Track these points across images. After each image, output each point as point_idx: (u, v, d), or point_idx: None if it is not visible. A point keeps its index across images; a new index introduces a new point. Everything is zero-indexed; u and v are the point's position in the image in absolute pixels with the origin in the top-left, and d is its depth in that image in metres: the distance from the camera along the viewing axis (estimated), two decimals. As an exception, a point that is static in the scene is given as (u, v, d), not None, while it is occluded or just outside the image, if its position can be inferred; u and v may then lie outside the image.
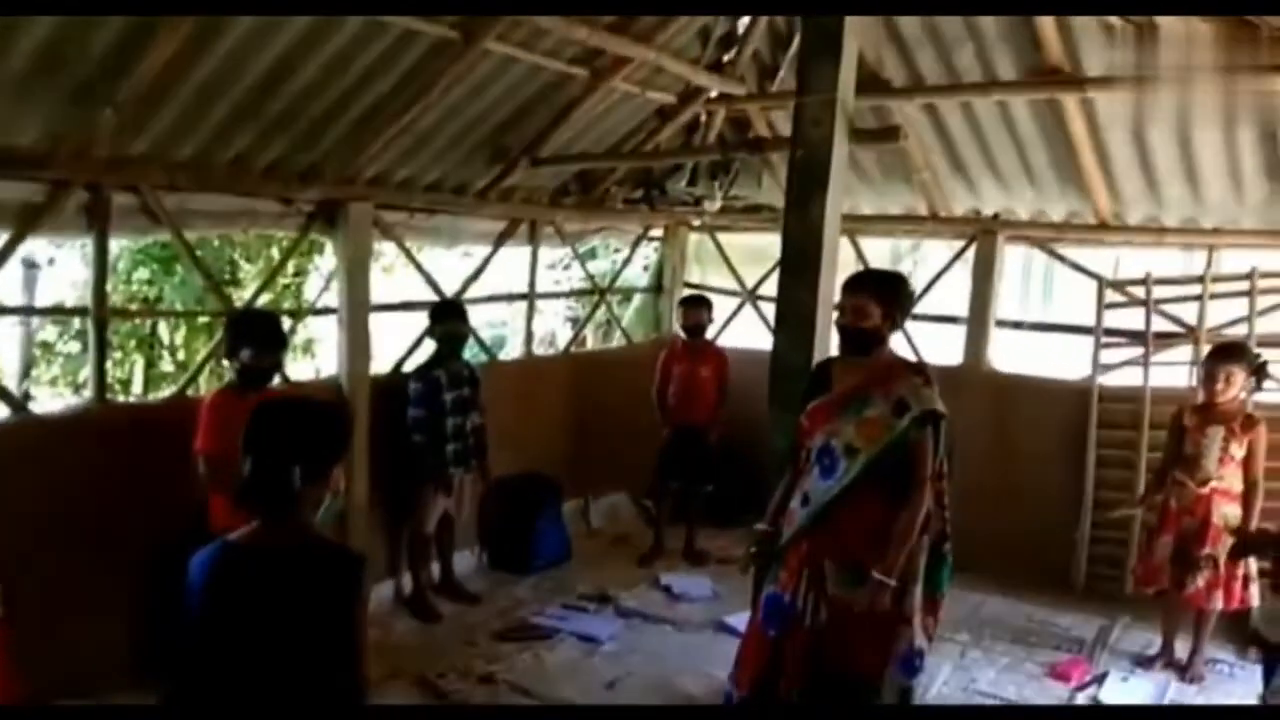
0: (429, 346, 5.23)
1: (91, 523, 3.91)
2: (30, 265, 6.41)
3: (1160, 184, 5.19)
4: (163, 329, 7.76)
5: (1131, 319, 5.61)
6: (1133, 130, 4.87)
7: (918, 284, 6.17)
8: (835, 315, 3.39)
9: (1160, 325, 5.52)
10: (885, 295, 3.26)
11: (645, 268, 7.65)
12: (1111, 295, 5.63)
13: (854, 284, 3.34)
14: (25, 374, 6.87)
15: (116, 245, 4.31)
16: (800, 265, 3.95)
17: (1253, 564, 4.36)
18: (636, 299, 7.82)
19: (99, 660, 3.87)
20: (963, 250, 6.08)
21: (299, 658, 2.02)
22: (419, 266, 5.52)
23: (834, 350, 3.96)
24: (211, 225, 4.68)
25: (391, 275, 5.72)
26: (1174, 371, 5.44)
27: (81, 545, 3.87)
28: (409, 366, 5.30)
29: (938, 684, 4.50)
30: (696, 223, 7.20)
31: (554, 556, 5.94)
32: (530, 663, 4.59)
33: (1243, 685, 4.28)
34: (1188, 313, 5.44)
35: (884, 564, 3.11)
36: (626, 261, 7.29)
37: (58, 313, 5.02)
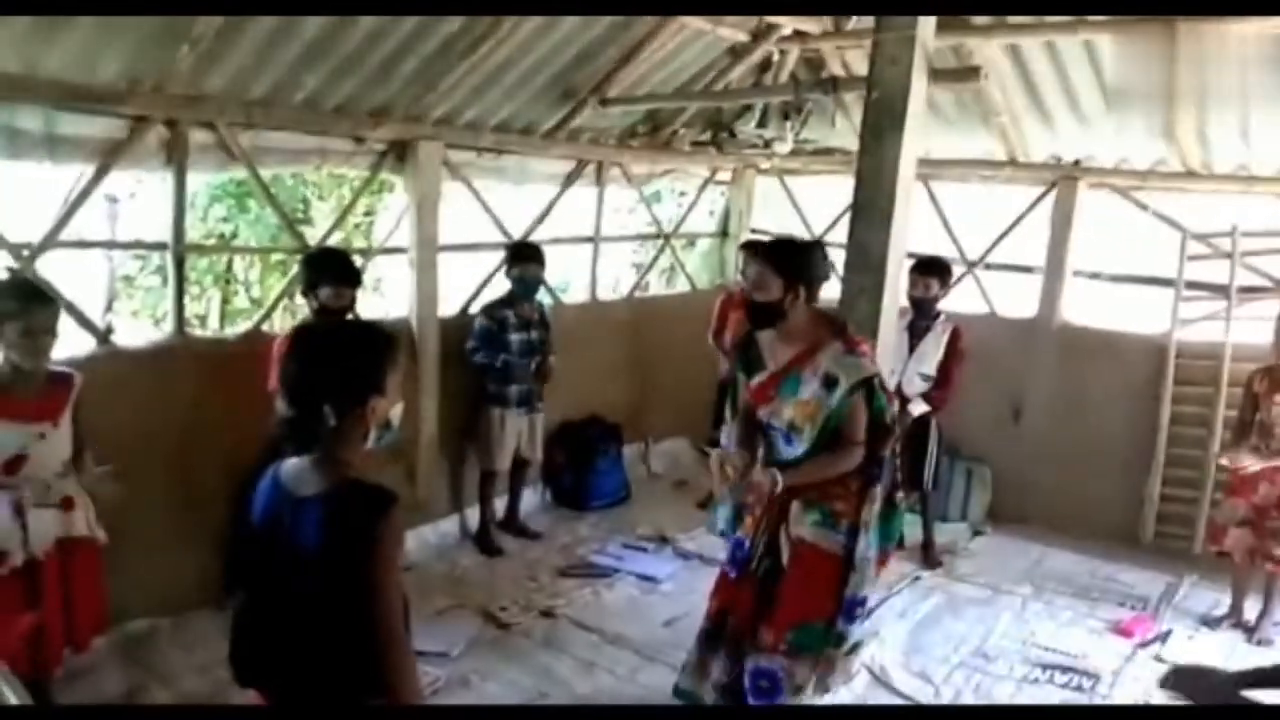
0: (499, 287, 5.26)
1: (174, 452, 4.07)
2: (112, 200, 6.58)
3: (1252, 130, 4.95)
4: (238, 265, 7.94)
5: (1215, 272, 5.41)
6: (1224, 74, 4.63)
7: (994, 231, 6.08)
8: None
9: (1245, 279, 5.32)
10: (785, 267, 3.15)
11: (711, 213, 7.58)
12: (1195, 247, 5.44)
13: (755, 253, 3.28)
14: (108, 307, 7.10)
15: (194, 181, 4.37)
16: (872, 209, 3.88)
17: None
18: (701, 244, 7.77)
19: (186, 583, 4.06)
20: (1041, 197, 5.90)
21: (327, 595, 1.97)
22: (486, 206, 5.53)
23: (890, 296, 3.94)
24: (285, 162, 4.75)
25: (458, 214, 5.75)
26: (1259, 327, 5.25)
27: (165, 473, 4.03)
28: (476, 308, 5.35)
29: (996, 635, 4.49)
30: (765, 165, 7.10)
31: (614, 497, 6.04)
32: (590, 599, 4.68)
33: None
34: (1275, 266, 5.22)
35: (791, 472, 3.17)
36: (692, 206, 7.22)
37: (138, 247, 5.16)
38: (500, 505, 5.48)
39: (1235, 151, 5.16)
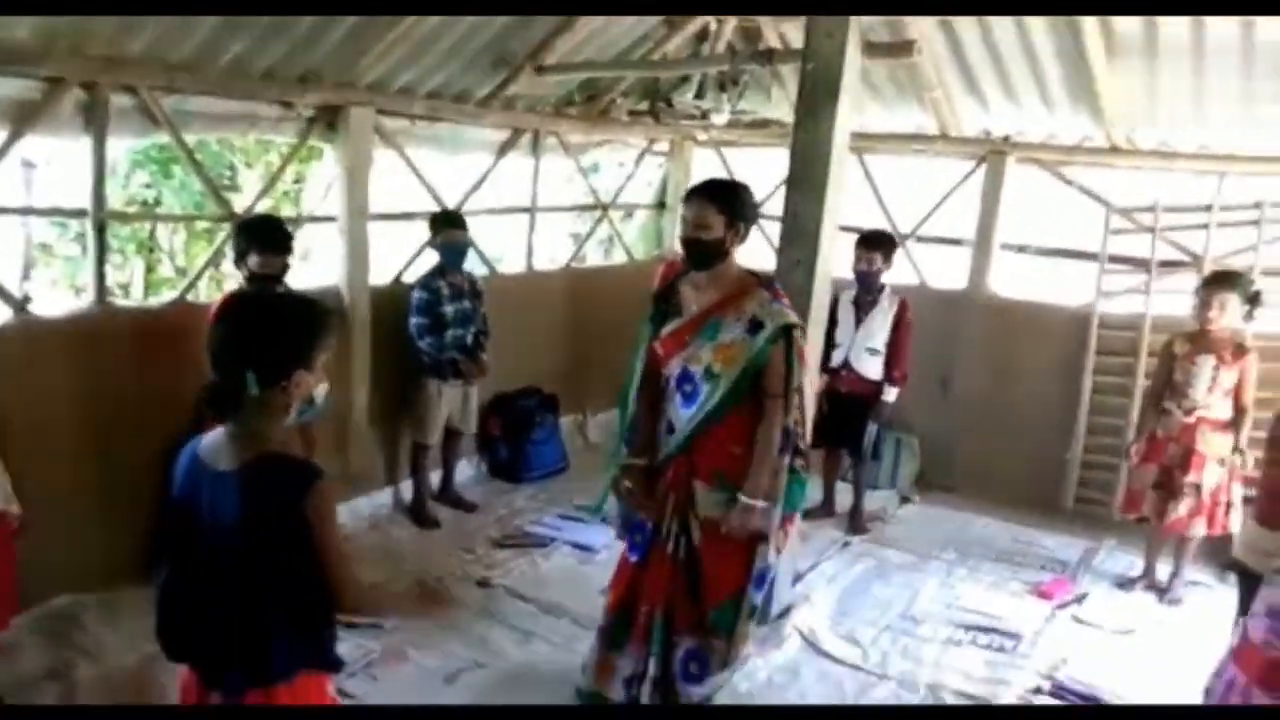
0: (430, 257, 5.20)
1: (98, 424, 3.96)
2: (28, 165, 6.33)
3: (1173, 109, 5.10)
4: (162, 233, 7.71)
5: (1137, 246, 5.58)
6: (1148, 53, 4.75)
7: (926, 204, 6.18)
8: (680, 229, 3.32)
9: (1165, 253, 5.50)
10: (726, 205, 3.15)
11: (649, 184, 7.57)
12: (1118, 221, 5.60)
13: (694, 194, 3.25)
14: (25, 275, 6.85)
15: (115, 147, 4.23)
16: (807, 182, 3.92)
17: (1235, 491, 4.43)
18: (639, 215, 7.76)
19: (112, 558, 3.96)
20: (972, 171, 6.01)
21: (253, 566, 1.96)
22: (420, 175, 5.45)
23: (823, 267, 3.97)
24: (210, 128, 4.61)
25: (391, 182, 5.67)
26: (1177, 300, 5.43)
27: (88, 447, 3.93)
28: (410, 277, 5.29)
29: (922, 599, 4.62)
30: (703, 137, 7.11)
31: (551, 468, 6.04)
32: (526, 569, 4.70)
33: (1221, 608, 4.38)
34: (1194, 241, 5.41)
35: (750, 485, 3.12)
36: (630, 176, 7.21)
37: (56, 214, 4.95)
38: (435, 477, 5.45)
39: (1157, 129, 5.30)
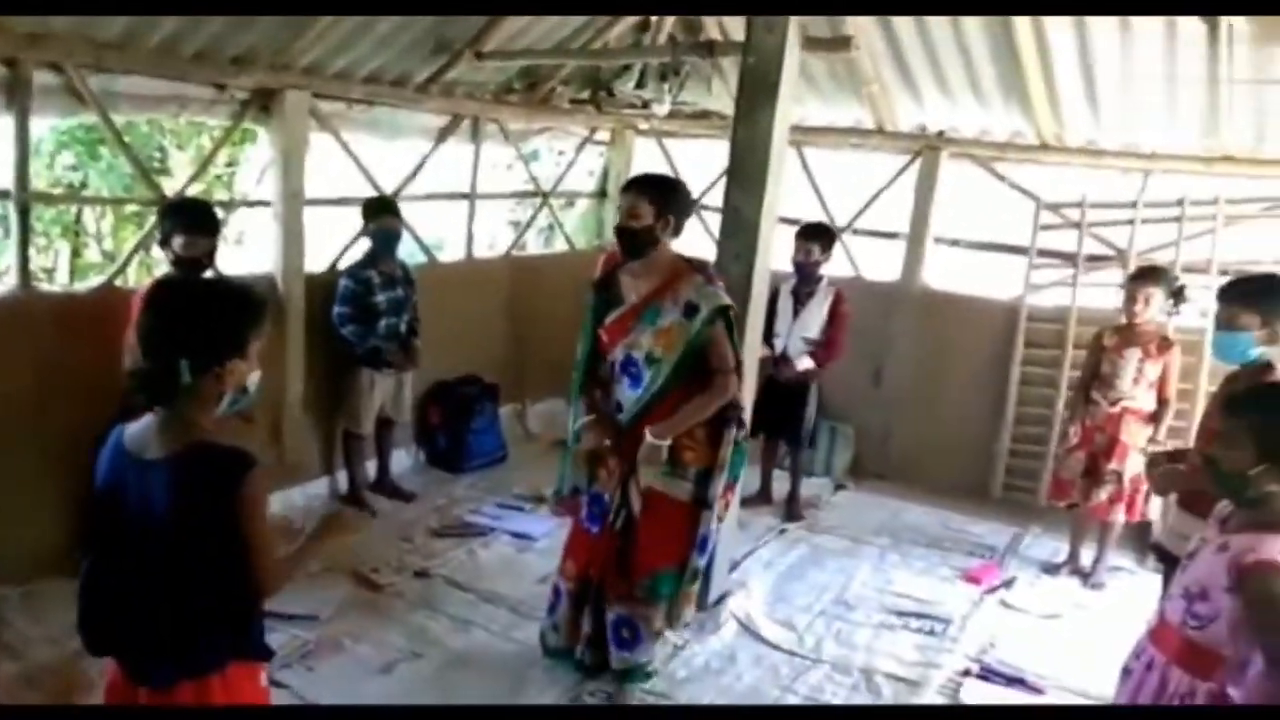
0: (364, 244, 5.13)
1: (20, 413, 3.84)
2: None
3: (1101, 108, 5.24)
4: (88, 217, 7.47)
5: (1065, 240, 5.74)
6: (1077, 51, 4.88)
7: (862, 197, 6.27)
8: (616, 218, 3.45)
9: (1092, 248, 5.66)
10: (658, 196, 3.29)
11: (590, 173, 7.55)
12: (1047, 217, 5.75)
13: (628, 185, 3.39)
14: (-58, 258, 6.61)
15: (38, 126, 4.10)
16: (747, 174, 3.95)
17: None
18: (580, 204, 7.74)
19: (34, 550, 3.85)
20: (907, 165, 6.11)
21: (183, 557, 1.95)
22: (357, 160, 5.37)
23: (762, 259, 4.04)
24: (139, 109, 4.47)
25: (327, 167, 5.57)
26: (1102, 293, 5.61)
27: (10, 435, 3.81)
28: (346, 264, 5.21)
29: (855, 584, 4.71)
30: (644, 127, 7.11)
31: (490, 457, 6.01)
32: (464, 559, 4.68)
33: (1142, 592, 4.54)
34: (1119, 236, 5.57)
35: (664, 425, 3.28)
36: (571, 164, 7.18)
37: (-25, 195, 4.81)
38: (372, 467, 5.40)
39: (1086, 127, 5.45)
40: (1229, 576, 2.16)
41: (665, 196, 3.31)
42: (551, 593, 3.70)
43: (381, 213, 5.01)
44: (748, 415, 3.76)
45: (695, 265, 3.40)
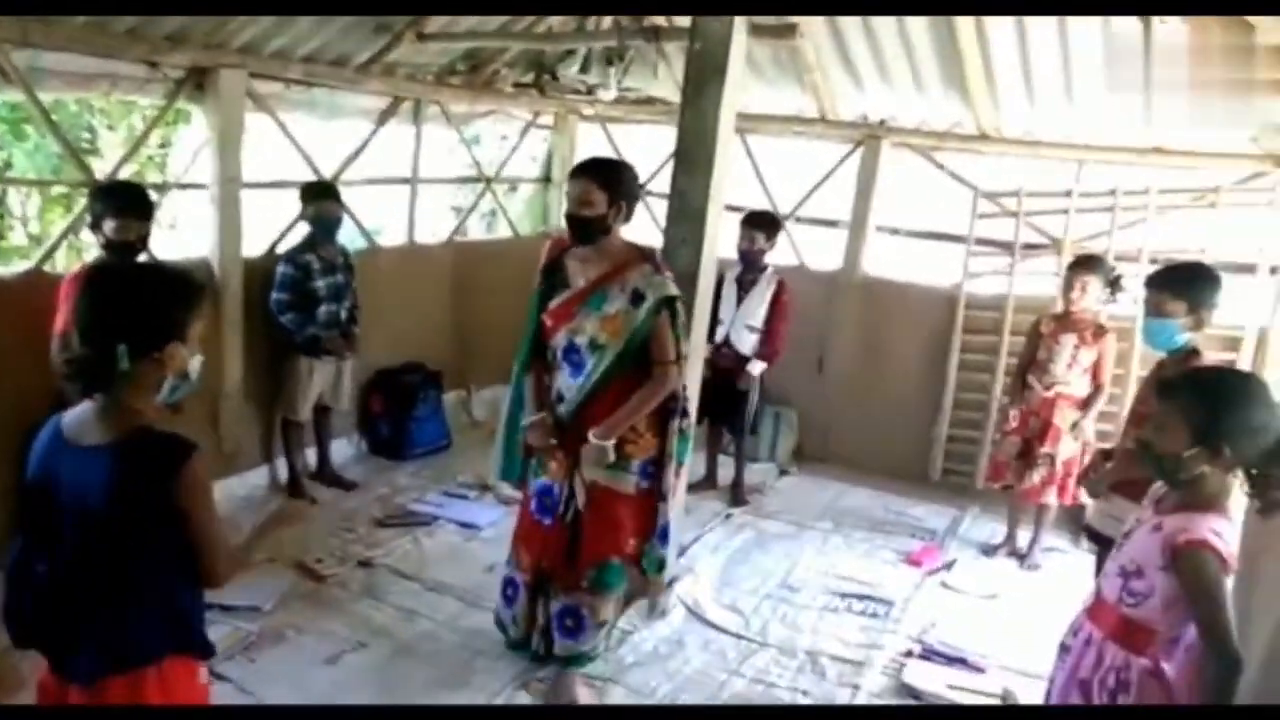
0: (302, 229, 5.03)
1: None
2: None
3: (1038, 99, 5.34)
4: (13, 198, 7.21)
5: (1002, 229, 5.85)
6: (1017, 44, 4.96)
7: (805, 185, 6.31)
8: (565, 205, 3.45)
9: (1028, 236, 5.78)
10: (609, 182, 3.27)
11: (533, 158, 7.49)
12: (985, 206, 5.85)
13: (578, 171, 3.36)
14: None
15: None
16: (694, 160, 3.94)
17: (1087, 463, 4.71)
18: (524, 190, 7.68)
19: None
20: (849, 154, 6.17)
21: (120, 545, 1.92)
22: (295, 142, 5.25)
23: (709, 245, 4.05)
24: (68, 87, 4.33)
25: (264, 149, 5.44)
26: (1038, 281, 5.73)
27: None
28: (284, 249, 5.10)
29: (800, 568, 4.77)
30: (589, 112, 7.08)
31: (434, 445, 5.96)
32: (409, 548, 4.63)
33: (1075, 571, 4.67)
34: (1055, 225, 5.70)
35: (607, 425, 3.27)
36: (514, 150, 7.12)
37: (-110, 175, 4.63)
38: (311, 456, 5.31)
39: (1023, 117, 5.55)
40: (1163, 555, 2.24)
41: (616, 182, 3.28)
42: (505, 585, 3.67)
43: (321, 197, 4.91)
44: (693, 404, 3.77)
45: (644, 253, 3.38)
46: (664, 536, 3.45)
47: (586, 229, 3.28)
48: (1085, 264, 4.71)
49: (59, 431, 1.97)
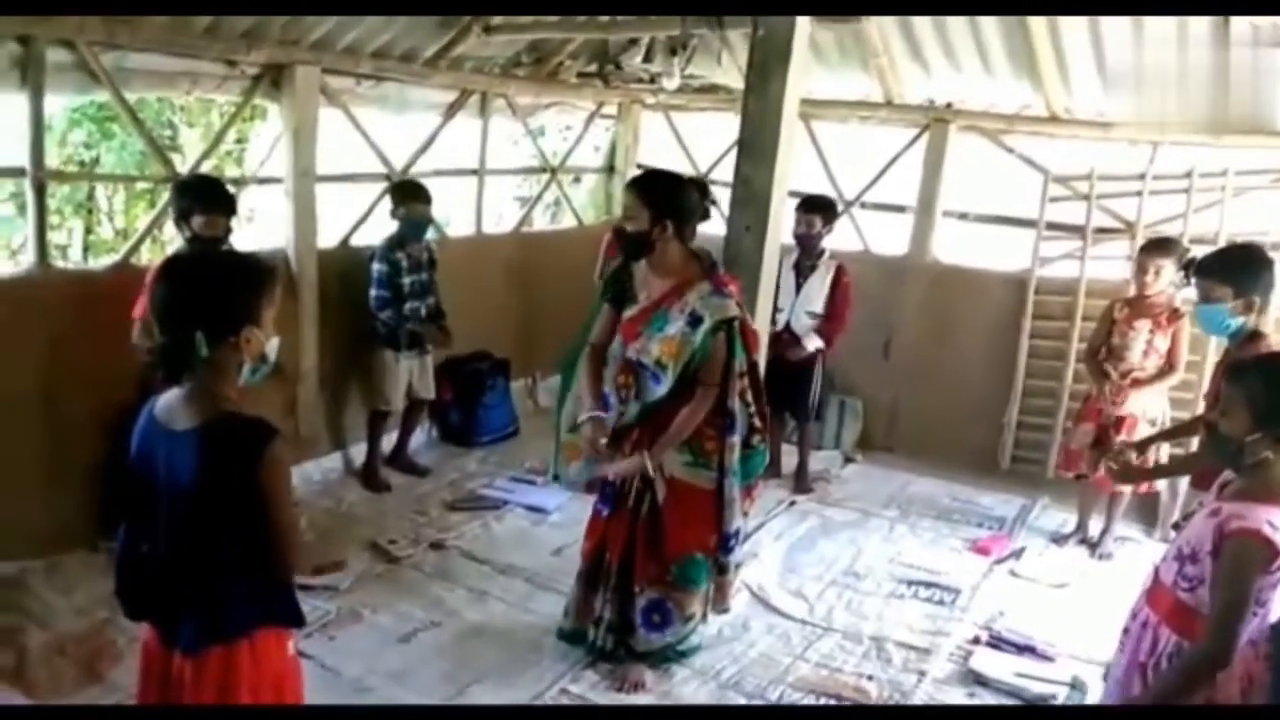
0: (379, 219, 5.16)
1: (39, 389, 3.89)
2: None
3: (1111, 80, 5.23)
4: (100, 194, 7.49)
5: (1073, 213, 5.74)
6: (1088, 24, 4.87)
7: (870, 170, 6.27)
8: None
9: (1100, 220, 5.66)
10: (654, 199, 3.22)
11: (596, 148, 7.55)
12: (1055, 189, 5.74)
13: (627, 184, 3.35)
14: (-42, 236, 6.65)
15: (51, 104, 4.11)
16: (757, 147, 3.96)
17: (1164, 452, 4.61)
18: (588, 179, 7.74)
19: (57, 524, 3.91)
20: (915, 138, 6.11)
21: (209, 524, 1.99)
22: (366, 136, 5.38)
23: (773, 233, 4.06)
24: (152, 86, 4.51)
25: (336, 143, 5.60)
26: (1110, 265, 5.62)
27: (30, 412, 3.86)
28: (357, 240, 5.24)
29: (865, 555, 4.76)
30: (651, 101, 7.10)
31: (502, 432, 6.06)
32: (479, 531, 4.73)
33: (1148, 561, 4.56)
34: (1128, 208, 5.57)
35: (658, 445, 3.31)
36: (579, 140, 7.18)
37: (-9, 173, 4.85)
38: (388, 443, 5.45)
39: (1095, 99, 5.44)
40: (1214, 540, 2.21)
41: (663, 199, 3.22)
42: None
43: (412, 198, 5.03)
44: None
45: (706, 267, 3.33)
46: (725, 544, 3.47)
47: (631, 242, 3.29)
48: (1158, 247, 4.62)
49: (153, 416, 2.07)
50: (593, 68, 6.34)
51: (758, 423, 3.48)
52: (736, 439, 3.38)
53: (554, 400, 6.60)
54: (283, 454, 2.03)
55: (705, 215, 3.51)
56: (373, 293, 4.93)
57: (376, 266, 4.93)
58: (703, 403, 3.29)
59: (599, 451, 3.40)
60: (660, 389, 3.31)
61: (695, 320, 3.21)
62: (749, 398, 3.43)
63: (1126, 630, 2.53)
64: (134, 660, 2.26)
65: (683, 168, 6.92)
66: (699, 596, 3.56)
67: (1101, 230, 5.66)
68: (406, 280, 4.98)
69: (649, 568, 3.46)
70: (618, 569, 3.51)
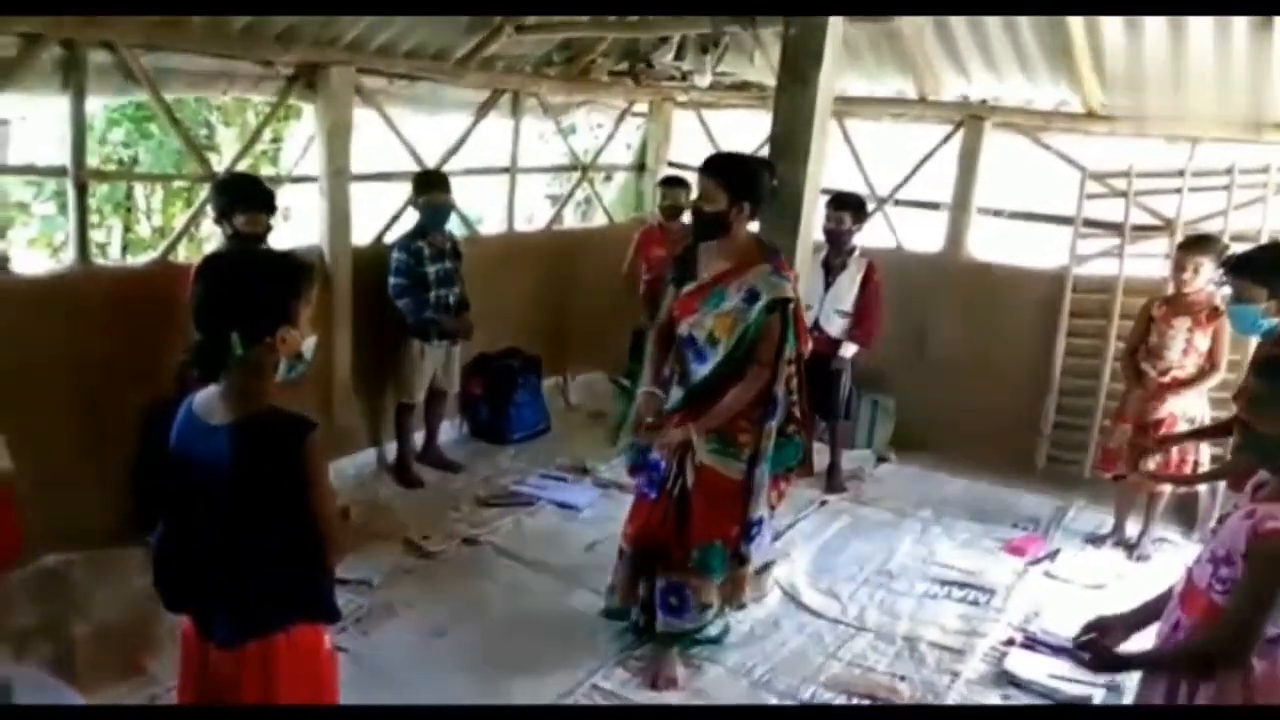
0: (411, 218, 5.20)
1: (82, 384, 3.95)
2: (2, 123, 6.23)
3: (1148, 75, 5.16)
4: (138, 193, 7.61)
5: (1111, 210, 5.67)
6: (1125, 20, 4.80)
7: (904, 168, 6.22)
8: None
9: (1139, 217, 5.58)
10: (733, 181, 3.27)
11: (628, 146, 7.55)
12: (1093, 186, 5.67)
13: (705, 166, 3.37)
14: (2, 234, 6.77)
15: (91, 104, 4.18)
16: (790, 145, 3.95)
17: (1203, 451, 4.55)
18: (619, 177, 7.75)
19: (99, 517, 3.97)
20: (949, 135, 6.06)
21: (247, 518, 2.02)
22: (400, 135, 5.42)
23: (806, 230, 4.06)
24: (189, 86, 4.56)
25: (370, 142, 5.66)
26: (1148, 263, 5.54)
27: (72, 406, 3.92)
28: (391, 238, 5.28)
29: (899, 555, 4.73)
30: (683, 99, 7.10)
31: (533, 429, 6.09)
32: (512, 527, 4.76)
33: (1186, 563, 4.50)
34: (1166, 205, 5.49)
35: (704, 420, 3.34)
36: (610, 138, 7.19)
37: (35, 173, 4.93)
38: (419, 438, 5.49)
39: (1133, 96, 5.35)
40: (1246, 541, 2.17)
41: (741, 181, 3.29)
42: (618, 553, 3.76)
43: (431, 187, 5.07)
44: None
45: (767, 251, 3.40)
46: (748, 533, 3.49)
47: (705, 225, 3.33)
48: (1197, 244, 4.55)
49: (192, 411, 2.09)
50: (624, 66, 6.35)
51: (797, 413, 3.53)
52: (774, 425, 3.41)
53: (589, 397, 6.70)
54: (320, 447, 2.05)
55: (773, 196, 3.55)
56: (391, 280, 4.97)
57: (396, 255, 4.98)
58: (753, 383, 3.32)
59: (646, 426, 3.45)
60: (703, 369, 3.36)
61: (752, 296, 3.26)
62: (793, 385, 3.47)
63: (1157, 633, 2.49)
64: (175, 652, 2.29)
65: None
66: (715, 586, 3.58)
67: (1140, 227, 5.58)
68: (430, 269, 5.01)
69: (675, 551, 3.51)
70: (652, 552, 3.57)
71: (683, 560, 3.49)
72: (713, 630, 3.70)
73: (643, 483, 3.62)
